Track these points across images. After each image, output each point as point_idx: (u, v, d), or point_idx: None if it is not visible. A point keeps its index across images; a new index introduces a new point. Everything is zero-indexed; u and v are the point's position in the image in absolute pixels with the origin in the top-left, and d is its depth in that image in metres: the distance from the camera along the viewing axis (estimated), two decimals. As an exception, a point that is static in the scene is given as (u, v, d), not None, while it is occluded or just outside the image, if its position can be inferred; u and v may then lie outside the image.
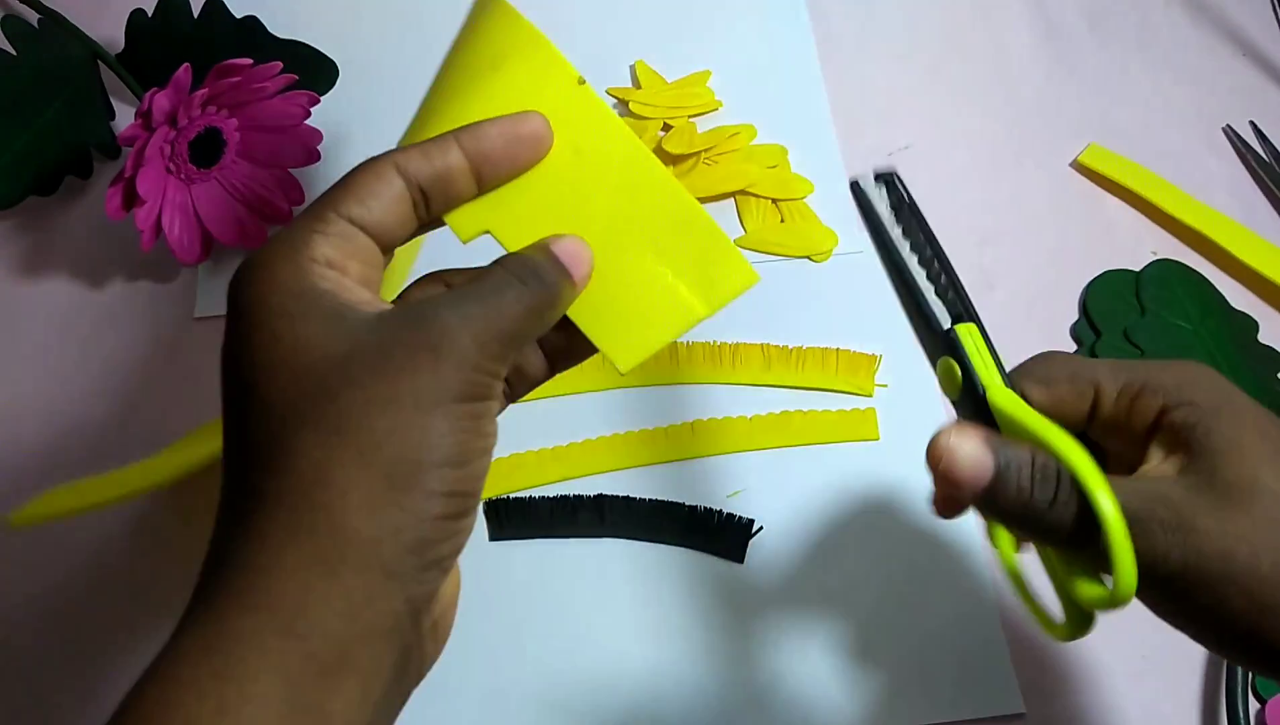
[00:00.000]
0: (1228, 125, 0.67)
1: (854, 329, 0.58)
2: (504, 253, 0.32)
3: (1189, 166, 0.65)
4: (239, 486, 0.28)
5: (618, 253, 0.32)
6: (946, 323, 0.36)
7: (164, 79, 0.52)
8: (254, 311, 0.28)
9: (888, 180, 0.39)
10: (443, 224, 0.33)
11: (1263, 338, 0.59)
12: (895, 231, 0.38)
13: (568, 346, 0.33)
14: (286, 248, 0.29)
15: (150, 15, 0.61)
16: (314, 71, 0.64)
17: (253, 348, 0.28)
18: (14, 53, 0.59)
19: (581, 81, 0.33)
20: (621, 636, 0.51)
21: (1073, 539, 0.31)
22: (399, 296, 0.33)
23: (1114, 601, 0.30)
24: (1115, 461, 0.36)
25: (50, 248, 0.61)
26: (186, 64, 0.52)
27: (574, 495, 0.53)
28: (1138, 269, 0.61)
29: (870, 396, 0.57)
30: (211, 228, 0.58)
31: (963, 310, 0.37)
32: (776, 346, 0.58)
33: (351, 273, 0.30)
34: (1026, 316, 0.60)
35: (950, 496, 0.31)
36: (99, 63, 0.62)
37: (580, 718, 0.49)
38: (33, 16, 0.61)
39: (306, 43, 0.64)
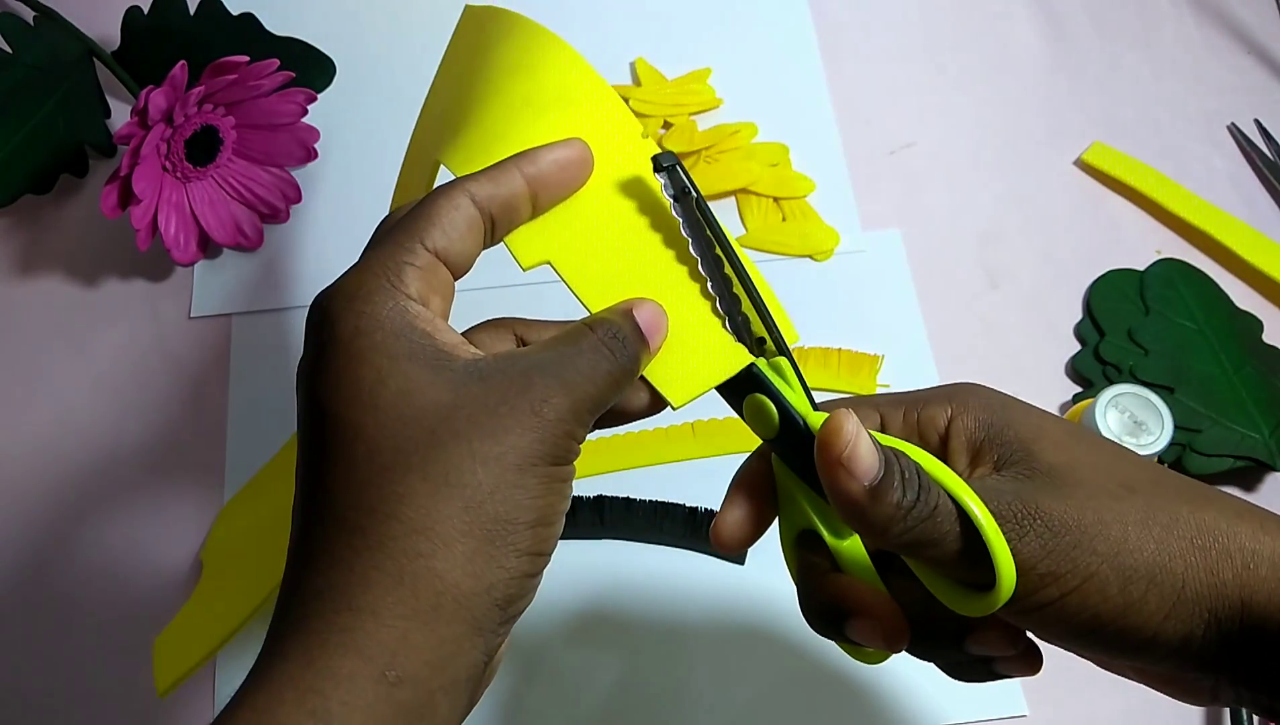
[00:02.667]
0: (1232, 123, 0.66)
1: (856, 329, 0.58)
2: (548, 270, 0.33)
3: (1193, 165, 0.64)
4: (328, 518, 0.28)
5: (676, 294, 0.33)
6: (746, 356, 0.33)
7: (160, 77, 0.52)
8: (354, 345, 0.28)
9: (668, 169, 0.33)
10: (491, 246, 0.33)
11: (1267, 337, 0.59)
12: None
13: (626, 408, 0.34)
14: (381, 280, 0.29)
15: (146, 12, 0.61)
16: (311, 69, 0.64)
17: (355, 383, 0.28)
18: (9, 50, 0.59)
19: (645, 134, 0.35)
20: (621, 639, 0.51)
21: (938, 549, 0.30)
22: (465, 334, 0.33)
23: (996, 598, 0.29)
24: None
25: (45, 246, 0.60)
26: (183, 61, 0.52)
27: (573, 497, 0.52)
28: (1142, 268, 0.60)
29: (872, 397, 0.56)
30: (208, 227, 0.57)
31: (767, 334, 0.33)
32: (777, 346, 0.57)
33: (434, 307, 0.30)
34: (1030, 316, 0.60)
35: (844, 493, 0.29)
36: (95, 60, 0.62)
37: (579, 720, 0.49)
38: (28, 14, 0.61)
39: (304, 40, 0.64)
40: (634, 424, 0.54)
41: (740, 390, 0.33)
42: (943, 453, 0.32)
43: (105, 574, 0.52)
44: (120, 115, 0.63)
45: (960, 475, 0.31)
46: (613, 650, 0.50)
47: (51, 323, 0.58)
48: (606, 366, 0.30)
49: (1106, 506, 0.29)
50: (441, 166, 0.35)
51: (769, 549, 0.52)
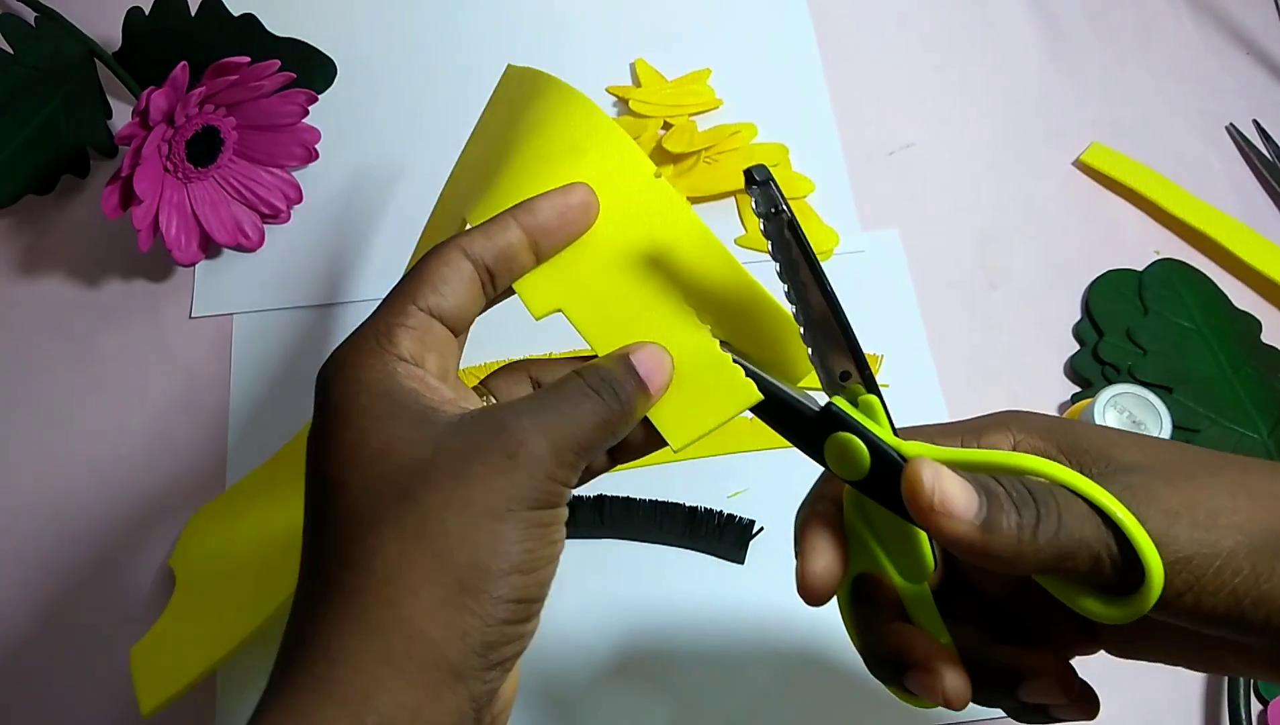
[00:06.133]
0: (1231, 124, 0.66)
1: (855, 328, 0.58)
2: (570, 324, 0.34)
3: (1192, 165, 0.65)
4: (316, 575, 0.29)
5: (684, 334, 0.33)
6: (821, 396, 0.32)
7: (161, 77, 0.52)
8: (342, 408, 0.29)
9: (761, 184, 0.31)
10: (506, 297, 0.34)
11: (1266, 337, 0.59)
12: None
13: (628, 443, 0.34)
14: (372, 344, 0.30)
15: (148, 13, 0.61)
16: (312, 70, 0.64)
17: (341, 445, 0.29)
18: (11, 51, 0.59)
19: (658, 174, 0.35)
20: (621, 638, 0.51)
21: (1077, 559, 0.29)
22: (484, 382, 0.34)
23: (1147, 596, 0.27)
24: None
25: (47, 247, 0.60)
26: (184, 62, 0.52)
27: (573, 495, 0.53)
28: (1140, 268, 0.60)
29: (871, 396, 0.56)
30: (209, 227, 0.57)
31: (855, 369, 0.32)
32: (777, 346, 0.57)
33: (429, 365, 0.31)
34: (1029, 316, 0.60)
35: (955, 537, 0.28)
36: (96, 61, 0.62)
37: (579, 719, 0.49)
38: (30, 15, 0.61)
39: (304, 41, 0.64)
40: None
41: (821, 430, 0.31)
42: None
43: (105, 574, 0.52)
44: (121, 116, 0.63)
45: None
46: (611, 648, 0.51)
47: (53, 323, 0.58)
48: (590, 408, 0.30)
49: (1209, 484, 0.29)
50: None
51: (769, 548, 0.53)
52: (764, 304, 0.34)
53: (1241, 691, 0.49)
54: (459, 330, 0.32)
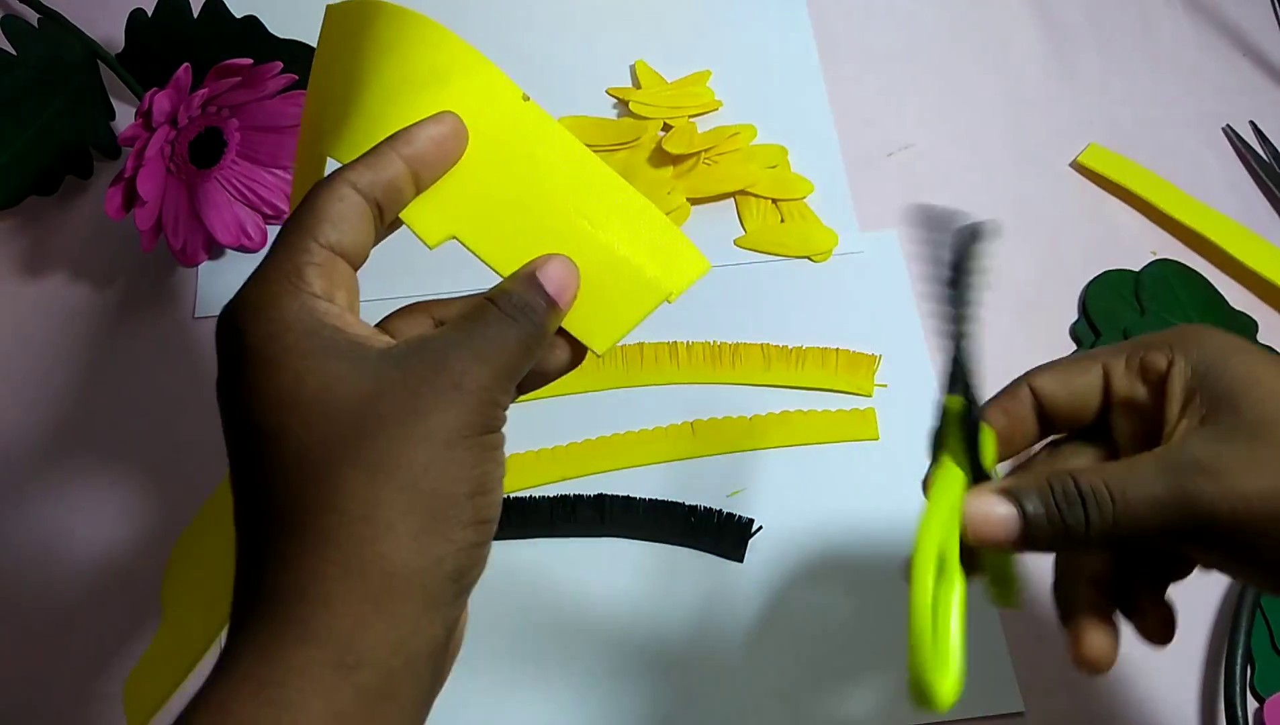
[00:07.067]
0: (1228, 125, 0.67)
1: (854, 329, 0.59)
2: (465, 250, 0.34)
3: (1189, 166, 0.65)
4: (276, 525, 0.28)
5: (582, 243, 0.34)
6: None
7: (164, 79, 0.52)
8: (266, 352, 0.29)
9: (979, 241, 0.38)
10: (392, 232, 0.34)
11: (1262, 338, 0.59)
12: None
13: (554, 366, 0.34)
14: (284, 284, 0.30)
15: (150, 15, 0.61)
16: (314, 71, 0.64)
17: (274, 389, 0.29)
18: (14, 52, 0.59)
19: (526, 97, 0.35)
20: (621, 636, 0.51)
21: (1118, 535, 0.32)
22: (381, 323, 0.33)
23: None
24: (1141, 443, 0.36)
25: (50, 248, 0.61)
26: (186, 64, 0.52)
27: (574, 495, 0.53)
28: (1137, 269, 0.61)
29: (870, 396, 0.57)
30: (212, 228, 0.58)
31: (960, 381, 0.37)
32: (776, 346, 0.58)
33: (340, 301, 0.31)
34: (1026, 316, 0.60)
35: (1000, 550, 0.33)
36: (99, 62, 0.62)
37: (579, 717, 0.49)
38: (33, 16, 0.61)
39: (307, 42, 0.64)
40: (634, 423, 0.55)
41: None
42: (1160, 397, 0.34)
43: (107, 576, 0.52)
44: (124, 117, 0.64)
45: (1170, 423, 0.33)
46: (611, 646, 0.51)
47: (55, 324, 0.59)
48: (514, 334, 0.31)
49: None
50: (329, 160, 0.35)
51: (768, 547, 0.53)
52: (647, 213, 0.35)
53: (1238, 689, 0.49)
54: (356, 265, 0.32)
